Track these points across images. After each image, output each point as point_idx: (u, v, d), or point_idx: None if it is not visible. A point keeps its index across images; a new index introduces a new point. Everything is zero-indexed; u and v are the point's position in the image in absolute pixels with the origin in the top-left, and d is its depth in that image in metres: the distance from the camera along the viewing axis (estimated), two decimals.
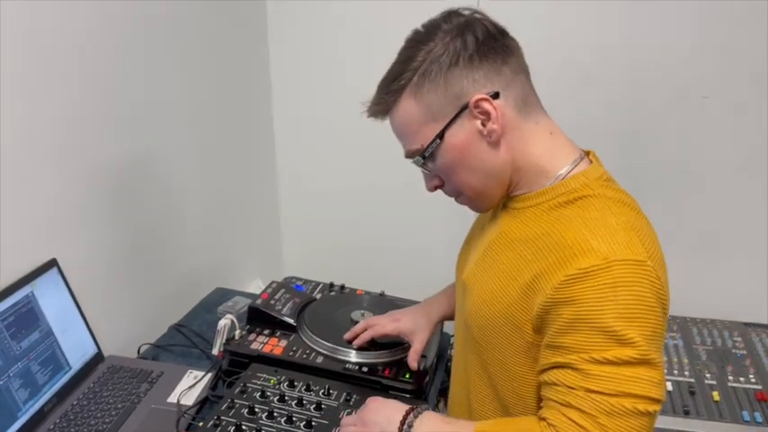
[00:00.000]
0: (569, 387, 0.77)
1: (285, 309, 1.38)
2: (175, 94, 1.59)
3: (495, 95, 0.85)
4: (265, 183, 2.13)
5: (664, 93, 1.73)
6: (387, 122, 2.10)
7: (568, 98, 1.76)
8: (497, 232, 0.93)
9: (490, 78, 0.85)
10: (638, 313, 0.75)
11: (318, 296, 1.49)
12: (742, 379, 1.47)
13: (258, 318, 1.36)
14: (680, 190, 1.75)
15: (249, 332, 1.34)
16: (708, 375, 1.49)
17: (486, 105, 0.84)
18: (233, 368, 1.28)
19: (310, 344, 1.30)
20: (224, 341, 1.31)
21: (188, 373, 1.31)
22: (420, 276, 2.05)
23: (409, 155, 0.91)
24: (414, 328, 1.20)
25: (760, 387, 1.46)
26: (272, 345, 1.30)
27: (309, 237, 2.21)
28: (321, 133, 2.07)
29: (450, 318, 1.24)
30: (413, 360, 1.18)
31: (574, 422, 0.76)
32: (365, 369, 1.23)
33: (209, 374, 1.30)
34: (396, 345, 1.28)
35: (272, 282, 1.48)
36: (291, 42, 1.99)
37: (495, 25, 0.87)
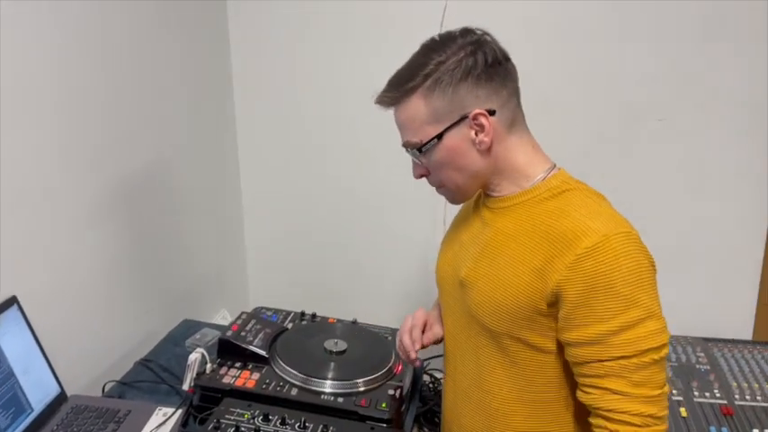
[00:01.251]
0: (599, 360, 0.91)
1: (256, 340, 1.35)
2: (138, 124, 1.57)
3: (492, 112, 0.97)
4: (229, 212, 2.11)
5: (619, 116, 1.79)
6: (356, 148, 2.09)
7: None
8: (493, 231, 1.03)
9: (490, 97, 0.97)
10: (639, 275, 0.89)
11: (290, 326, 1.47)
12: (707, 394, 1.51)
13: (229, 350, 1.33)
14: (634, 209, 1.80)
15: (220, 366, 1.31)
16: (675, 392, 1.52)
17: (482, 120, 0.96)
18: (204, 404, 1.24)
19: (284, 376, 1.28)
20: (194, 376, 1.28)
21: (157, 410, 1.27)
22: (390, 303, 2.06)
23: (407, 145, 1.01)
24: (434, 319, 1.22)
25: (725, 402, 1.49)
26: (245, 378, 1.27)
27: (275, 265, 2.18)
28: (286, 159, 2.06)
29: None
30: (429, 339, 1.16)
31: (609, 390, 0.91)
32: (341, 399, 1.22)
33: (180, 411, 1.26)
34: (371, 372, 1.27)
35: (242, 313, 1.46)
36: (254, 70, 1.99)
37: (502, 50, 0.99)
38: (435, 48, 0.97)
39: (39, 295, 1.27)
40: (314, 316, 1.53)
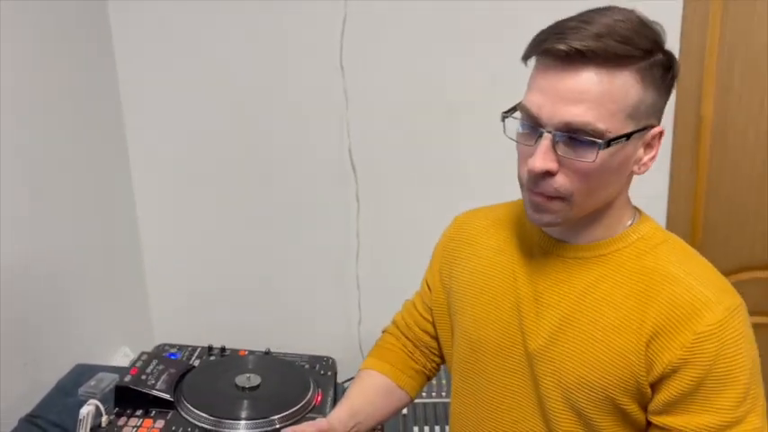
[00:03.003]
0: None
1: (159, 383, 1.23)
2: (11, 149, 1.40)
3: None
4: (124, 237, 1.94)
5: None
6: (260, 158, 1.98)
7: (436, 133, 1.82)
8: (575, 291, 0.85)
9: (663, 113, 0.81)
10: (755, 360, 0.79)
11: (197, 363, 1.36)
12: None
13: (128, 398, 1.20)
14: None
15: (118, 416, 1.18)
16: None
17: (657, 141, 0.80)
18: None
19: (192, 420, 1.17)
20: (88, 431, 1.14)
21: None
22: (306, 326, 1.97)
23: (580, 128, 0.74)
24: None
25: None
26: (147, 428, 1.15)
27: (180, 294, 2.03)
28: (183, 178, 1.93)
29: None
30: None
31: None
32: None
33: None
34: (288, 407, 1.19)
35: (142, 353, 1.33)
36: (146, 84, 1.85)
37: None
38: (651, 25, 0.77)
39: None
40: (223, 350, 1.41)
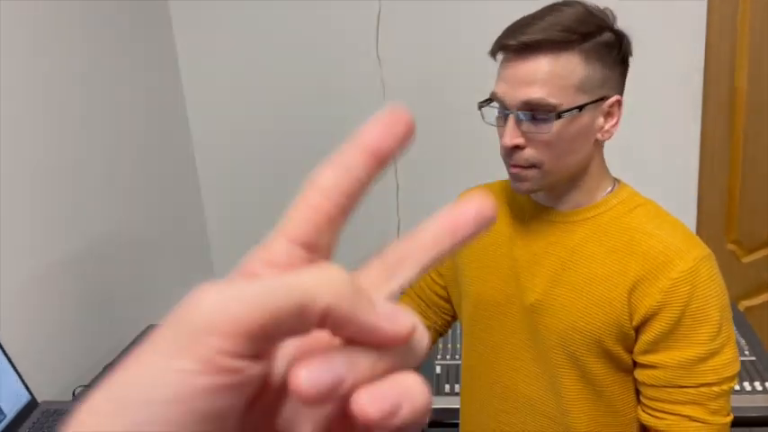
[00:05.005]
0: (680, 387, 0.89)
1: None
2: (98, 146, 1.65)
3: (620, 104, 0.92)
4: (191, 212, 2.19)
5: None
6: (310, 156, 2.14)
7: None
8: (566, 250, 0.95)
9: (623, 87, 0.93)
10: (724, 299, 0.89)
11: None
12: None
13: None
14: None
15: None
16: None
17: (616, 109, 0.91)
18: None
19: None
20: None
21: None
22: None
23: (535, 105, 0.86)
24: None
25: None
26: None
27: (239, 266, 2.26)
28: (246, 159, 2.15)
29: None
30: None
31: (688, 417, 0.89)
32: None
33: None
34: None
35: None
36: (205, 77, 2.07)
37: None
38: (595, 12, 0.88)
39: (5, 306, 1.36)
40: None
